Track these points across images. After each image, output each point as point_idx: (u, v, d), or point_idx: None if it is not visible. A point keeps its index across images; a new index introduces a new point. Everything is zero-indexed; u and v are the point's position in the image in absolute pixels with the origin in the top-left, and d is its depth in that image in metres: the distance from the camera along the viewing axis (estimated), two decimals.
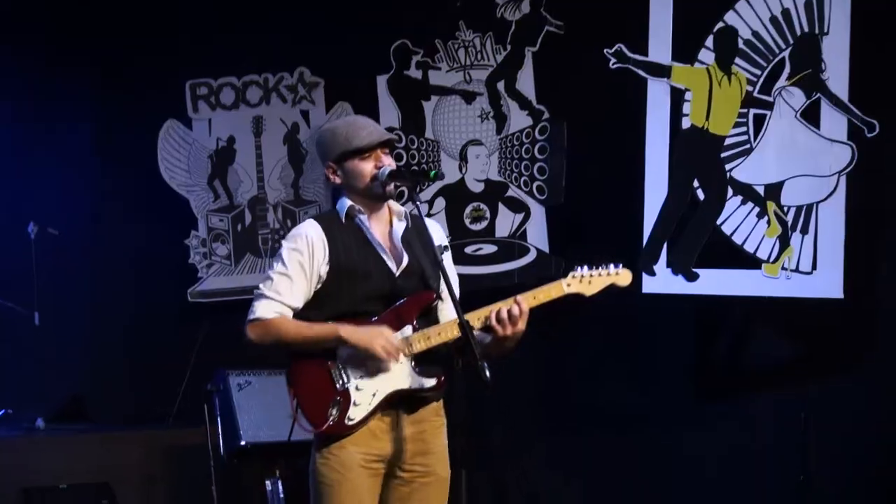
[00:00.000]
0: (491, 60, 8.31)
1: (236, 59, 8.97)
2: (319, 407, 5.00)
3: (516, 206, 8.24)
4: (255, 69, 8.96)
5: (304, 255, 5.03)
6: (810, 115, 7.29)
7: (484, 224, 8.25)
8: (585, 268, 4.97)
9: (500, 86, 8.28)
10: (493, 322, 4.92)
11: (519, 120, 8.24)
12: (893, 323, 7.20)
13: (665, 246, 7.64)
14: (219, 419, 7.63)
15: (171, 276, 9.03)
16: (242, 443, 7.51)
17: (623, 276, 5.00)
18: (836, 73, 7.22)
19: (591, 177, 7.86)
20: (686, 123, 7.60)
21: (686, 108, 7.61)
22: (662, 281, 7.52)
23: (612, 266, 4.99)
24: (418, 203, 5.13)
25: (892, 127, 7.09)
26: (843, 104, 7.17)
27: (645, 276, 7.57)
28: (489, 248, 8.17)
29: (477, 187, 8.16)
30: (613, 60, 7.66)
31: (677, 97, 7.63)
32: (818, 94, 7.24)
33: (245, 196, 8.98)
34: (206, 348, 8.62)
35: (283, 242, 5.12)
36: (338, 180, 5.13)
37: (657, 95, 7.66)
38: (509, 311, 4.89)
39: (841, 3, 7.18)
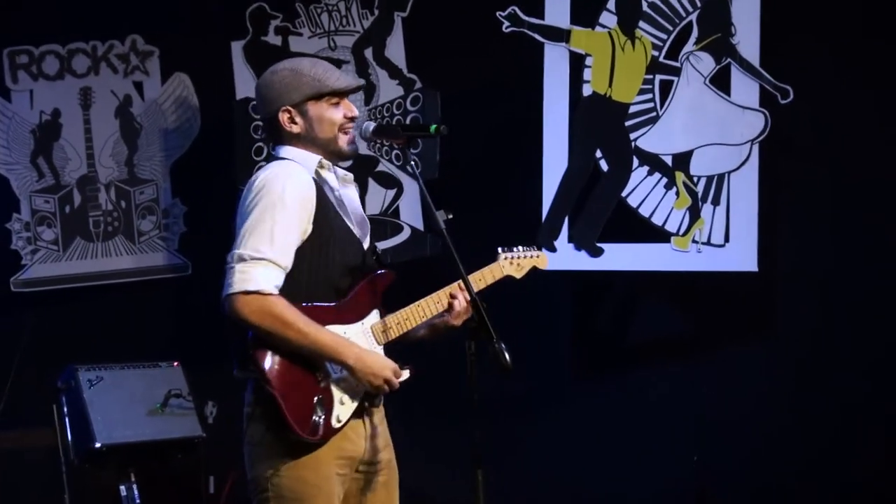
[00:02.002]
0: (357, 26, 7.09)
1: (60, 25, 7.46)
2: (305, 408, 3.82)
3: (388, 181, 7.04)
4: (82, 36, 7.48)
5: (302, 205, 3.85)
6: (720, 82, 6.37)
7: None
8: (506, 250, 4.41)
9: (368, 53, 7.09)
10: (455, 303, 4.08)
11: (389, 90, 7.03)
12: (808, 295, 6.36)
13: (566, 220, 6.62)
14: (67, 419, 6.39)
15: None
16: (97, 444, 6.29)
17: (541, 259, 4.51)
18: (747, 37, 6.32)
19: (474, 150, 6.59)
20: (587, 90, 6.59)
21: (587, 74, 6.58)
22: (564, 257, 6.55)
23: (533, 249, 4.49)
24: (413, 163, 4.30)
25: (807, 93, 6.27)
26: (755, 69, 6.31)
27: (545, 252, 6.20)
28: None
29: (345, 162, 6.61)
30: (507, 24, 6.61)
31: (577, 63, 6.59)
32: (728, 60, 6.37)
33: (73, 175, 7.50)
34: (38, 341, 7.17)
35: (272, 185, 3.83)
36: (295, 129, 3.97)
37: (555, 61, 6.61)
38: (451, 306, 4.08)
39: None
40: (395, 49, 6.99)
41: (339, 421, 3.85)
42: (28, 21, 7.40)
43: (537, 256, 4.47)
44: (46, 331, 7.24)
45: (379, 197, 6.99)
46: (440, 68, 6.90)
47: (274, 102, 3.99)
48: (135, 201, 7.45)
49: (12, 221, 7.44)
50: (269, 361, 3.77)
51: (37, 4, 7.36)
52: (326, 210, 3.91)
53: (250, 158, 7.11)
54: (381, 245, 6.89)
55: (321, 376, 3.85)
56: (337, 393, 3.86)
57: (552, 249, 6.51)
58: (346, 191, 4.10)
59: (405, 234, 6.88)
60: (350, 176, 4.14)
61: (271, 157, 4.04)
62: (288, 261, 3.81)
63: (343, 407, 3.87)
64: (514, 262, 4.36)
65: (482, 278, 4.23)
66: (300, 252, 3.85)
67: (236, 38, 7.16)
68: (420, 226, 6.93)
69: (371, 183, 6.99)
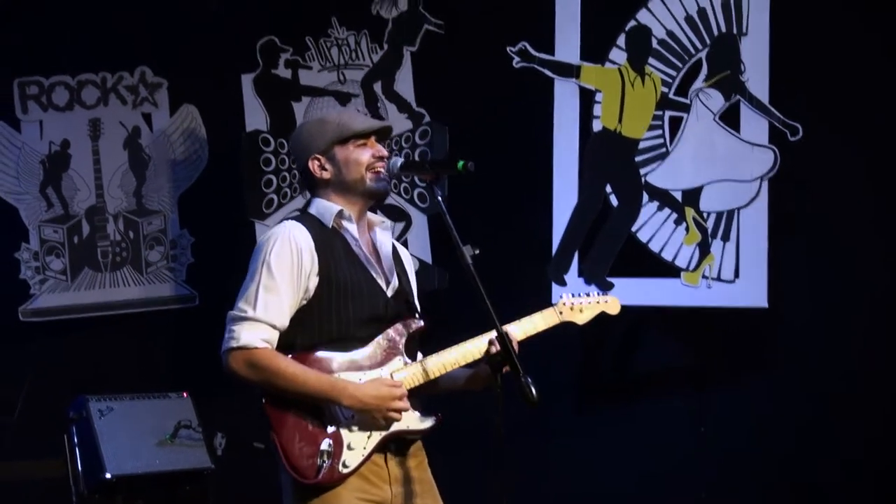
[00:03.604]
0: (366, 60, 7.06)
1: (71, 56, 7.45)
2: (307, 454, 3.85)
3: (396, 214, 6.98)
4: (92, 67, 7.46)
5: (293, 263, 3.89)
6: (730, 118, 6.34)
7: None
8: (570, 295, 4.31)
9: (377, 87, 7.07)
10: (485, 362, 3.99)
11: (398, 123, 6.98)
12: (817, 332, 6.29)
13: (576, 255, 6.58)
14: (77, 450, 6.33)
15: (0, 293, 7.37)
16: (107, 475, 6.24)
17: (612, 304, 4.38)
18: (756, 74, 6.29)
19: (483, 184, 6.47)
20: (597, 126, 6.57)
21: (597, 109, 6.56)
22: (574, 291, 6.12)
23: (598, 293, 4.37)
24: (440, 200, 4.05)
25: (816, 130, 6.24)
26: (764, 107, 6.28)
27: (555, 287, 6.55)
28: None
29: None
30: (517, 60, 6.54)
31: (587, 98, 6.57)
32: (737, 97, 6.34)
33: (82, 205, 7.47)
34: (47, 371, 7.17)
35: (264, 248, 3.92)
36: (326, 175, 4.02)
37: (565, 97, 6.60)
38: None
39: (759, 3, 6.29)
40: (404, 83, 6.97)
41: (345, 466, 3.83)
42: (38, 52, 7.37)
43: (606, 301, 4.37)
44: (54, 360, 7.20)
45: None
46: (449, 102, 6.88)
47: (304, 152, 4.05)
48: (143, 232, 7.41)
49: (21, 251, 7.39)
50: (276, 410, 3.86)
51: (47, 35, 7.32)
52: (336, 262, 3.93)
53: (259, 190, 7.09)
54: None
55: (330, 422, 3.86)
56: (346, 438, 3.85)
57: (562, 283, 6.48)
58: (380, 237, 4.12)
59: (414, 266, 6.83)
60: (387, 223, 4.17)
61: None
62: (277, 317, 3.86)
63: (352, 452, 3.85)
64: (574, 308, 4.28)
65: (533, 326, 4.17)
66: (309, 306, 3.91)
67: (246, 71, 7.14)
68: (428, 258, 6.89)
69: (380, 216, 6.95)
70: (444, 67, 6.89)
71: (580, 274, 6.50)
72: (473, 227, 6.44)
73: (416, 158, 6.73)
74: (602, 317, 4.35)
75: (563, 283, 6.47)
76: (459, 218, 6.40)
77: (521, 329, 4.12)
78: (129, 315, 7.39)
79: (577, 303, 4.28)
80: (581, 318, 4.29)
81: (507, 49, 6.56)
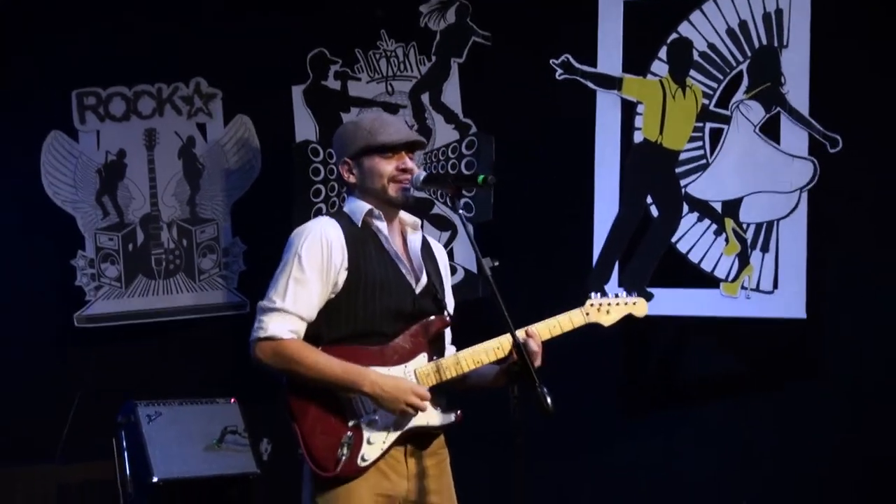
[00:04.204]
0: (414, 71, 7.23)
1: (127, 68, 7.69)
2: (328, 446, 4.01)
3: (442, 223, 7.18)
4: (148, 78, 7.71)
5: (323, 257, 4.06)
6: (770, 130, 6.41)
7: None
8: (600, 295, 4.39)
9: (425, 98, 7.24)
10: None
11: (445, 134, 7.18)
12: (856, 343, 6.35)
13: (617, 265, 6.69)
14: (126, 454, 6.61)
15: (56, 299, 7.70)
16: (154, 479, 6.51)
17: (639, 306, 4.48)
18: (797, 86, 6.35)
19: (527, 193, 6.75)
20: (638, 137, 6.67)
21: (638, 121, 6.67)
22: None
23: (625, 294, 4.45)
24: (461, 213, 4.27)
25: (856, 142, 6.28)
26: (804, 118, 6.33)
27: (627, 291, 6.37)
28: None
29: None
30: (560, 72, 6.64)
31: (629, 110, 6.68)
32: (778, 108, 6.39)
33: (137, 214, 7.72)
34: (99, 376, 7.44)
35: (295, 241, 4.10)
36: (352, 179, 4.21)
37: (607, 108, 6.71)
38: (527, 347, 4.06)
39: (801, 16, 6.35)
40: (452, 94, 7.13)
41: (364, 460, 4.00)
42: (96, 64, 7.61)
43: (634, 303, 4.49)
44: (108, 366, 7.45)
45: (434, 239, 7.08)
46: (495, 113, 7.02)
47: (338, 154, 4.28)
48: (196, 240, 7.63)
49: (77, 258, 7.63)
50: (299, 404, 4.04)
51: (105, 48, 7.57)
52: (366, 258, 4.11)
53: (308, 199, 7.29)
54: None
55: (351, 416, 4.03)
56: (367, 433, 4.02)
57: (603, 293, 6.57)
58: (411, 237, 4.30)
59: (459, 275, 6.97)
60: (418, 222, 4.34)
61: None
62: (305, 309, 4.03)
63: (371, 447, 4.02)
64: (601, 309, 4.40)
65: (556, 325, 4.28)
66: (337, 300, 4.08)
67: (297, 83, 7.34)
68: (473, 268, 7.04)
69: (427, 225, 7.11)
70: (490, 79, 7.04)
71: (620, 284, 6.57)
72: (515, 236, 6.72)
73: (438, 172, 6.86)
74: (629, 319, 4.47)
75: (603, 293, 6.53)
76: (502, 227, 6.69)
77: (546, 328, 4.24)
78: (181, 322, 7.62)
79: (604, 303, 4.41)
80: (607, 320, 4.42)
81: (551, 61, 6.69)
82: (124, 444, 6.59)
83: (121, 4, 7.54)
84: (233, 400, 6.81)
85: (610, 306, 4.42)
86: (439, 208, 7.09)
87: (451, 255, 7.07)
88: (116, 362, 7.47)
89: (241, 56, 7.44)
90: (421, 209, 6.87)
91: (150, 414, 6.63)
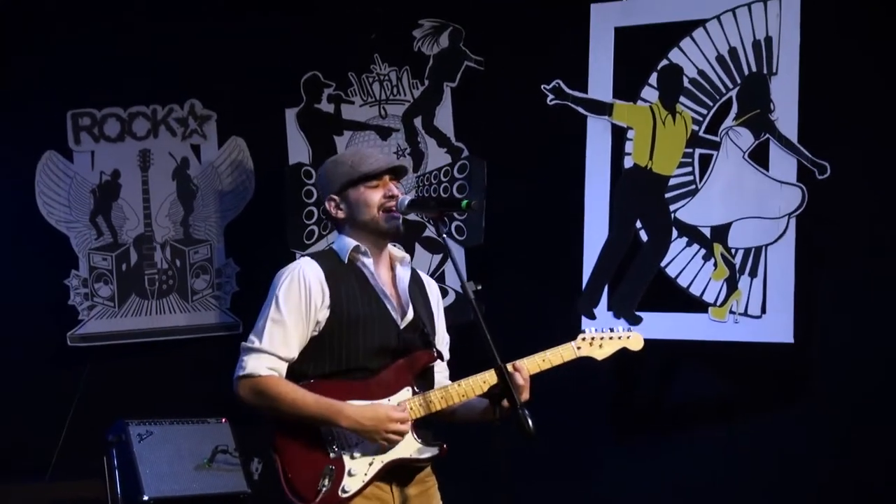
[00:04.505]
0: (407, 95, 7.33)
1: (122, 89, 7.79)
2: (309, 478, 4.09)
3: (434, 246, 7.24)
4: (143, 100, 7.80)
5: (301, 298, 4.14)
6: (759, 156, 6.52)
7: None
8: (594, 329, 4.38)
9: (418, 122, 7.34)
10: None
11: (437, 157, 7.29)
12: (843, 368, 6.42)
13: (606, 289, 6.78)
14: (117, 472, 6.63)
15: (50, 319, 7.77)
16: (145, 498, 6.53)
17: (634, 340, 4.44)
18: (786, 113, 6.46)
19: (518, 217, 6.86)
20: (629, 163, 6.78)
21: (628, 146, 6.78)
22: (603, 325, 6.32)
23: (621, 328, 4.42)
24: (445, 237, 4.31)
25: (844, 169, 6.38)
26: (793, 145, 6.43)
27: (585, 320, 6.72)
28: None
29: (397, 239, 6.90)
30: (551, 97, 6.73)
31: (619, 135, 6.79)
32: (767, 135, 6.50)
33: (130, 234, 7.80)
34: (91, 395, 7.53)
35: (275, 284, 4.19)
36: (341, 214, 4.28)
37: (597, 133, 6.82)
38: (512, 380, 4.05)
39: (790, 43, 6.45)
40: (444, 118, 7.23)
41: (344, 492, 4.07)
42: (91, 85, 7.71)
43: (628, 337, 4.46)
44: (100, 385, 7.53)
45: (425, 261, 7.16)
46: (487, 138, 7.12)
47: (323, 193, 4.35)
48: (189, 260, 7.71)
49: (70, 278, 7.72)
50: (282, 435, 4.14)
51: (100, 69, 7.65)
52: (349, 295, 4.18)
53: (301, 222, 7.38)
54: None
55: (332, 448, 4.10)
56: (348, 465, 4.09)
57: (592, 317, 6.68)
58: (400, 272, 4.35)
59: (450, 298, 7.04)
60: (407, 257, 4.39)
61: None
62: (282, 348, 4.13)
63: (352, 478, 4.08)
64: (593, 343, 4.40)
65: (546, 360, 4.29)
66: (320, 337, 4.17)
67: (290, 106, 7.44)
68: None
69: (417, 248, 7.20)
70: (482, 103, 7.13)
71: (609, 308, 6.69)
72: (506, 260, 6.81)
73: (422, 196, 6.93)
74: (624, 353, 4.45)
75: (592, 317, 6.68)
76: (493, 251, 6.78)
77: (533, 363, 4.26)
78: (173, 342, 7.70)
79: (597, 337, 4.40)
80: (600, 354, 4.40)
81: (542, 87, 6.79)
82: (115, 462, 6.62)
83: (116, 26, 7.64)
84: (224, 420, 6.86)
85: (603, 340, 4.41)
86: (431, 231, 7.18)
87: (442, 278, 7.17)
88: (108, 381, 7.55)
89: (236, 78, 7.54)
90: (412, 232, 7.01)
91: (142, 433, 6.66)
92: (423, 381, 4.27)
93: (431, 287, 4.50)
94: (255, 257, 7.53)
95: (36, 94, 7.72)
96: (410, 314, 4.28)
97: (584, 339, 4.38)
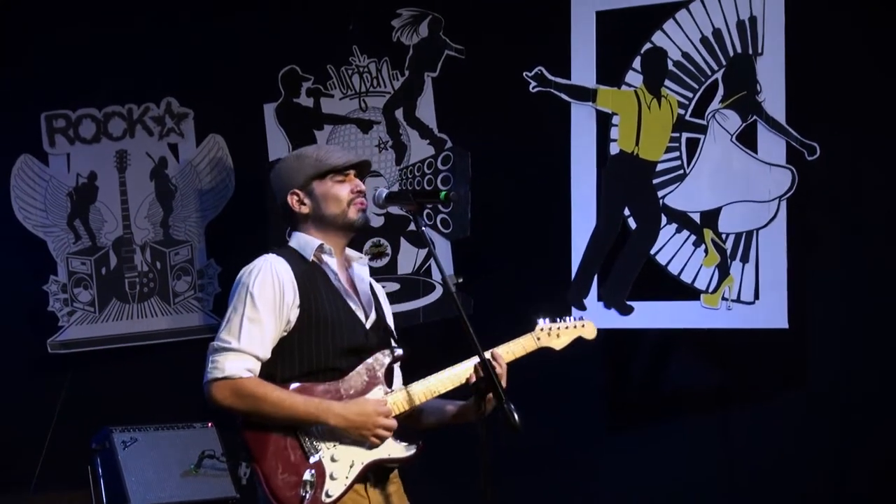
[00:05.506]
0: (388, 87, 7.36)
1: (97, 89, 7.83)
2: (290, 485, 4.08)
3: (419, 241, 7.24)
4: (118, 99, 7.84)
5: (275, 295, 4.13)
6: (747, 139, 6.55)
7: (385, 260, 7.29)
8: (547, 320, 4.48)
9: (399, 113, 7.37)
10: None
11: (420, 149, 7.31)
12: (839, 353, 6.48)
13: (595, 278, 6.81)
14: (101, 481, 6.62)
15: (29, 326, 7.84)
16: None
17: (588, 329, 4.56)
18: (773, 94, 6.50)
19: (504, 208, 6.92)
20: (614, 149, 6.81)
21: (614, 132, 6.81)
22: (594, 315, 6.58)
23: (574, 318, 4.53)
24: (424, 230, 4.47)
25: (834, 149, 6.42)
26: (781, 126, 6.47)
27: (575, 311, 6.57)
28: (392, 286, 7.18)
29: (377, 221, 7.12)
30: (534, 84, 6.74)
31: (604, 121, 6.82)
32: (754, 117, 6.53)
33: (109, 237, 7.85)
34: (74, 403, 7.56)
35: (245, 280, 4.18)
36: (305, 209, 4.28)
37: (582, 120, 6.85)
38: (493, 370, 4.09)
39: (775, 23, 6.49)
40: (426, 109, 7.26)
41: (328, 496, 4.08)
42: (65, 85, 7.74)
43: (582, 326, 4.57)
44: (82, 392, 7.55)
45: (411, 256, 7.23)
46: (470, 128, 7.15)
47: (283, 188, 4.33)
48: (170, 262, 7.75)
49: (49, 283, 7.76)
50: (257, 442, 4.10)
51: (73, 69, 7.69)
52: (317, 295, 4.19)
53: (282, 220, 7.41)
54: (414, 304, 7.18)
55: (312, 453, 4.11)
56: (329, 468, 4.10)
57: (582, 308, 6.72)
58: (357, 272, 4.38)
59: (437, 293, 7.11)
60: (364, 258, 4.42)
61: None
62: (259, 349, 4.11)
63: (334, 482, 4.10)
64: (552, 333, 4.49)
65: (510, 352, 4.37)
66: (289, 338, 4.17)
67: (269, 101, 7.47)
68: (451, 285, 7.17)
69: (403, 242, 7.25)
70: (464, 93, 7.15)
71: (600, 298, 6.73)
72: (493, 252, 6.85)
73: (400, 189, 6.99)
74: (580, 342, 4.57)
75: (582, 308, 6.71)
76: (480, 243, 6.82)
77: (502, 353, 4.33)
78: (156, 346, 7.73)
79: (553, 328, 4.51)
80: (558, 344, 4.52)
81: (524, 74, 6.83)
82: (100, 471, 6.61)
83: (89, 25, 7.67)
84: (210, 424, 6.86)
85: (560, 330, 4.51)
86: (415, 225, 7.21)
87: (428, 272, 7.22)
88: (91, 388, 7.57)
89: (213, 74, 7.57)
90: (398, 227, 7.06)
91: (126, 440, 6.65)
92: (391, 381, 4.32)
93: (380, 289, 4.52)
94: (237, 257, 7.33)
95: (8, 97, 7.76)
96: (374, 314, 4.32)
97: (542, 329, 4.48)
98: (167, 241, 7.77)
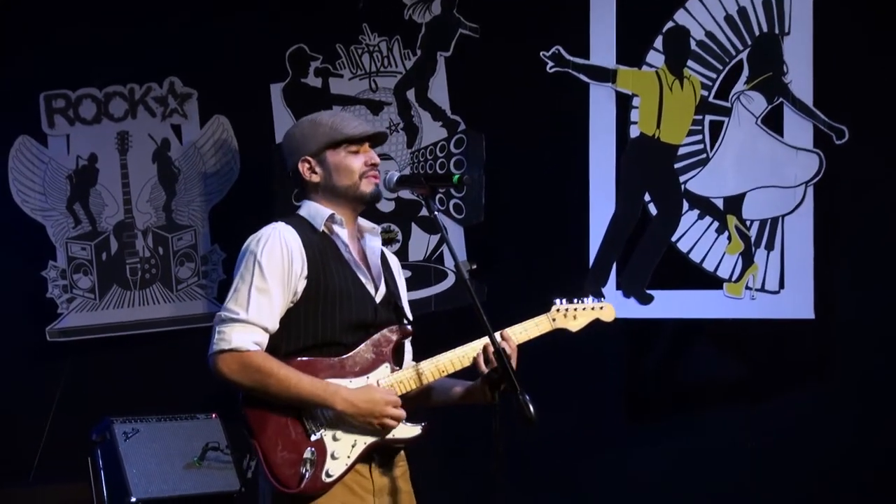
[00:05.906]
0: (399, 67, 7.22)
1: (97, 68, 7.64)
2: (290, 462, 3.96)
3: (431, 226, 7.08)
4: (119, 79, 7.66)
5: (284, 265, 4.00)
6: (772, 122, 6.43)
7: (396, 247, 7.14)
8: (564, 301, 4.38)
9: (411, 94, 7.21)
10: (481, 364, 4.05)
11: (432, 132, 7.15)
12: (867, 343, 6.37)
13: (614, 266, 6.68)
14: (102, 473, 6.51)
15: (27, 313, 7.65)
16: (133, 500, 6.40)
17: (607, 311, 4.48)
18: (800, 75, 6.38)
19: (519, 193, 6.78)
20: (635, 132, 6.67)
21: (634, 115, 6.67)
22: (612, 304, 6.26)
23: (592, 299, 4.42)
24: (436, 214, 4.21)
25: (863, 132, 6.30)
26: (809, 109, 6.35)
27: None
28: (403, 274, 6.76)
29: (387, 206, 6.99)
30: (551, 64, 6.59)
31: (624, 103, 6.67)
32: (780, 99, 6.41)
33: (110, 221, 7.67)
34: (73, 392, 7.41)
35: (253, 248, 4.05)
36: (315, 178, 4.16)
37: (601, 102, 6.71)
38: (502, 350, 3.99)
39: (802, 1, 6.37)
40: (439, 90, 7.10)
41: (328, 476, 3.94)
42: (64, 64, 7.57)
43: (601, 308, 4.46)
44: (82, 381, 7.41)
45: (423, 243, 7.08)
46: (484, 109, 6.99)
47: (294, 154, 4.18)
48: (173, 248, 7.60)
49: (48, 269, 7.59)
50: (257, 418, 3.97)
51: (73, 47, 7.52)
52: (326, 266, 4.05)
53: (291, 203, 7.27)
54: (426, 292, 7.04)
55: (313, 430, 3.97)
56: (330, 447, 3.96)
57: (600, 296, 6.59)
58: (370, 243, 4.24)
59: (449, 280, 6.97)
60: (377, 229, 4.28)
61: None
62: (267, 320, 3.96)
63: (335, 462, 3.96)
64: (568, 314, 4.37)
65: (524, 331, 4.25)
66: (296, 310, 4.02)
67: (276, 81, 7.31)
68: (465, 271, 7.04)
69: (414, 228, 7.11)
70: (479, 73, 7.00)
71: (619, 286, 6.60)
72: (508, 238, 6.73)
73: (412, 172, 6.84)
74: (598, 324, 4.45)
75: (600, 296, 6.57)
76: (495, 228, 6.70)
77: (514, 333, 4.20)
78: (158, 334, 7.57)
79: (570, 309, 4.37)
80: (575, 325, 4.38)
81: (541, 54, 6.68)
82: (100, 463, 6.51)
83: (88, 2, 7.51)
84: (214, 415, 6.74)
85: (577, 311, 4.39)
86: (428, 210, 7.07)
87: (440, 259, 7.08)
88: (91, 377, 7.44)
89: (217, 54, 7.41)
90: (409, 212, 6.92)
91: (127, 431, 6.53)
92: (398, 358, 4.19)
93: (394, 260, 4.40)
94: (242, 242, 7.34)
95: (7, 77, 7.58)
96: (384, 288, 4.19)
97: (557, 310, 4.35)
98: (170, 225, 7.61)
